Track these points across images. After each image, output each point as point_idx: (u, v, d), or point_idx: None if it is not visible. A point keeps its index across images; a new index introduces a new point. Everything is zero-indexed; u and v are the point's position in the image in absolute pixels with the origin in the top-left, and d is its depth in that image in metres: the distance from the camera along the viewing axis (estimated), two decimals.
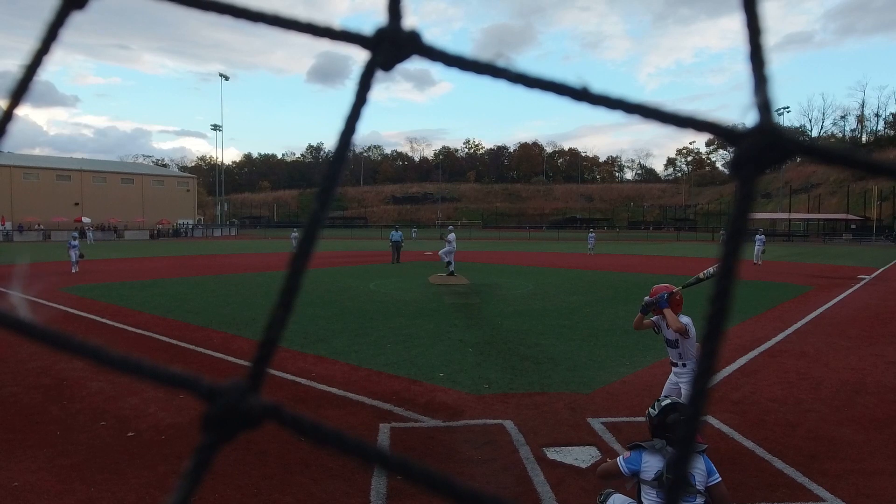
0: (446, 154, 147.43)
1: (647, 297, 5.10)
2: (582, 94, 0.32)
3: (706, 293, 0.32)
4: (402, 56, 0.34)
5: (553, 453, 5.02)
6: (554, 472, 4.68)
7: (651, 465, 3.42)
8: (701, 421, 0.32)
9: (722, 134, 0.31)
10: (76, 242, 22.07)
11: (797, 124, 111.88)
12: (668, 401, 3.71)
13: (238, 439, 0.33)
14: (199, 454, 0.33)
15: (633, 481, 3.50)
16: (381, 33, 0.34)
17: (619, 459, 3.57)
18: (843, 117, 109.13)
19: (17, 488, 4.33)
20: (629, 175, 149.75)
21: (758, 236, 27.46)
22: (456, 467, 4.76)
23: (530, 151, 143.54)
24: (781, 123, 0.31)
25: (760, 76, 0.30)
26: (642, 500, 3.44)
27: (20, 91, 0.36)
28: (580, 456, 4.98)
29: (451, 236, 19.69)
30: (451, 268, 19.17)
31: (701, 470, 3.39)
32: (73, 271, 20.63)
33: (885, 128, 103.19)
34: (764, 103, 0.30)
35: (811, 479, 4.57)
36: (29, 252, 32.03)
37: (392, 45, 0.33)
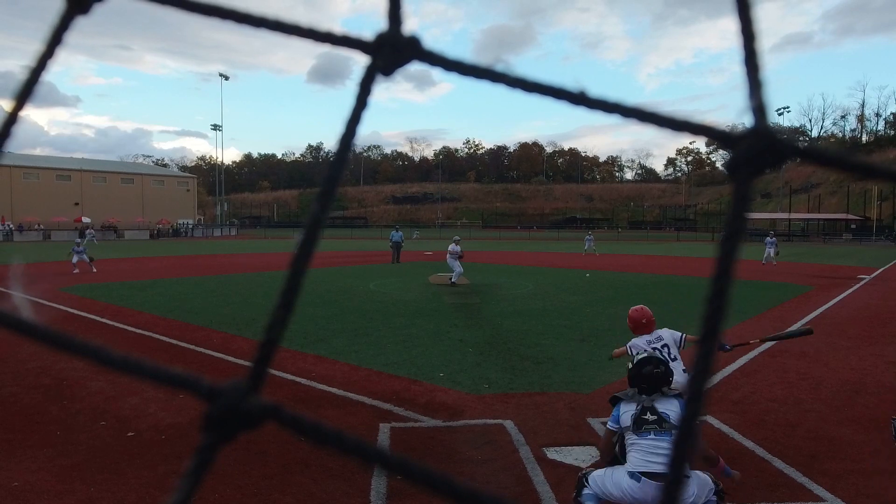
0: (446, 154, 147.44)
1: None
2: (579, 98, 0.32)
3: (703, 293, 0.33)
4: (402, 61, 0.34)
5: (553, 453, 5.03)
6: (554, 472, 4.68)
7: (628, 411, 3.71)
8: (699, 422, 0.32)
9: (718, 137, 0.31)
10: (81, 248, 21.49)
11: (797, 124, 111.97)
12: (644, 355, 3.95)
13: (238, 439, 0.33)
14: (200, 454, 0.33)
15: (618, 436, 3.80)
16: (381, 38, 0.34)
17: (607, 426, 3.88)
18: (843, 117, 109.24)
19: (17, 488, 4.33)
20: (629, 175, 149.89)
21: (768, 239, 26.68)
22: (456, 467, 4.76)
23: (530, 151, 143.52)
24: (780, 124, 0.31)
25: (755, 80, 0.30)
26: (626, 445, 3.65)
27: (24, 94, 0.36)
28: (580, 456, 4.98)
29: (452, 246, 18.42)
30: (453, 279, 18.11)
31: (676, 410, 3.68)
32: (74, 272, 20.28)
33: (885, 128, 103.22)
34: (759, 107, 0.30)
35: (811, 479, 4.57)
36: (23, 252, 31.99)
37: (392, 50, 0.34)
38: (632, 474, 3.52)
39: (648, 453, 3.53)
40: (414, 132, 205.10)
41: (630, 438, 3.60)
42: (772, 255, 26.00)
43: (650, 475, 3.44)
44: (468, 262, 25.03)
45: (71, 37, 0.38)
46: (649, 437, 3.57)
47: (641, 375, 3.75)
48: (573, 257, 31.48)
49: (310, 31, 0.34)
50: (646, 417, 3.63)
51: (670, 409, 3.68)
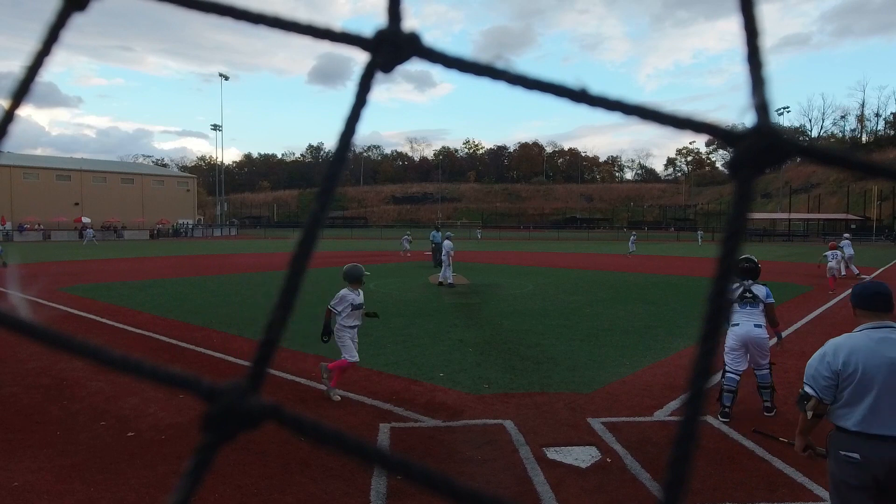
0: (446, 154, 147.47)
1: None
2: (581, 96, 0.32)
3: (704, 293, 0.33)
4: (401, 58, 0.34)
5: (553, 453, 5.03)
6: (554, 472, 4.68)
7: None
8: (699, 422, 0.32)
9: (720, 135, 0.31)
10: None
11: (797, 124, 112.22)
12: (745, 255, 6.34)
13: (238, 439, 0.33)
14: (200, 454, 0.33)
15: None
16: (380, 35, 0.34)
17: None
18: (843, 117, 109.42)
19: (17, 488, 4.33)
20: (629, 175, 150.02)
21: (844, 242, 20.70)
22: (456, 467, 4.76)
23: (530, 151, 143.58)
24: (781, 124, 0.31)
25: (758, 78, 0.30)
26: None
27: (21, 92, 0.36)
28: (580, 456, 4.98)
29: (447, 243, 17.34)
30: (448, 279, 16.91)
31: (763, 291, 6.13)
32: None
33: (885, 127, 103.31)
34: (762, 105, 0.30)
35: (811, 479, 4.57)
36: (22, 252, 31.94)
37: (392, 47, 0.33)
38: (732, 325, 6.09)
39: (744, 315, 6.04)
40: (414, 132, 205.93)
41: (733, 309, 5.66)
42: (849, 259, 20.31)
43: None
44: (468, 261, 25.02)
45: (73, 38, 0.37)
46: (746, 308, 6.09)
47: (742, 269, 6.21)
48: (573, 257, 31.45)
49: (309, 28, 0.34)
50: (746, 295, 6.08)
51: (759, 291, 6.11)
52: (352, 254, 32.42)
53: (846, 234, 24.10)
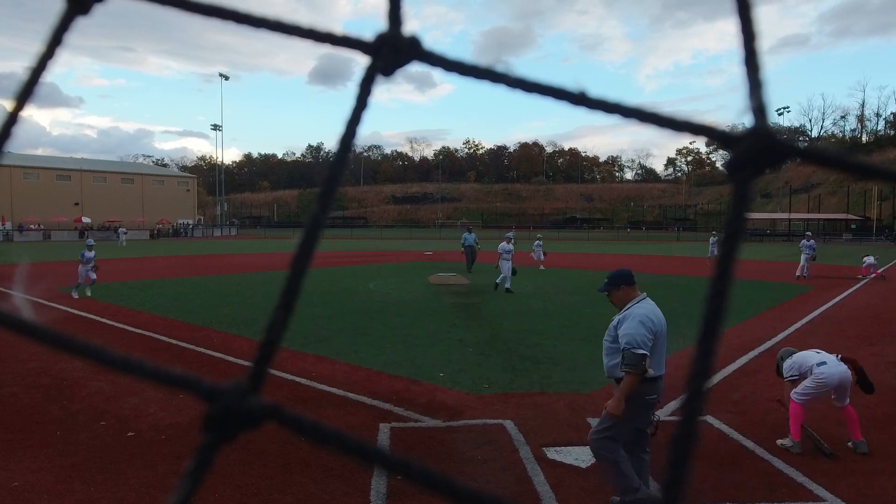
0: (446, 154, 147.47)
1: None
2: (580, 99, 0.32)
3: (703, 293, 0.33)
4: (402, 61, 0.34)
5: (553, 453, 5.03)
6: (554, 472, 4.68)
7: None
8: (698, 422, 0.32)
9: (718, 137, 0.31)
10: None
11: (797, 124, 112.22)
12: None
13: (238, 439, 0.33)
14: (200, 454, 0.33)
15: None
16: (381, 39, 0.34)
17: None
18: (843, 117, 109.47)
19: (17, 488, 4.33)
20: (629, 175, 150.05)
21: (805, 241, 20.74)
22: (456, 467, 4.76)
23: (530, 151, 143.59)
24: (780, 124, 0.31)
25: (755, 80, 0.30)
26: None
27: (25, 95, 0.36)
28: (580, 456, 4.98)
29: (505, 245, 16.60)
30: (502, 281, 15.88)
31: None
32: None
33: (885, 127, 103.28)
34: (759, 107, 0.30)
35: (811, 479, 4.57)
36: (25, 252, 31.91)
37: (392, 51, 0.34)
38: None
39: None
40: (414, 132, 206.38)
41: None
42: (805, 264, 20.33)
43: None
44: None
45: (75, 38, 0.38)
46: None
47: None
48: (573, 257, 31.41)
49: (310, 32, 0.34)
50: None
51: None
52: (352, 253, 32.42)
53: (809, 233, 25.55)
